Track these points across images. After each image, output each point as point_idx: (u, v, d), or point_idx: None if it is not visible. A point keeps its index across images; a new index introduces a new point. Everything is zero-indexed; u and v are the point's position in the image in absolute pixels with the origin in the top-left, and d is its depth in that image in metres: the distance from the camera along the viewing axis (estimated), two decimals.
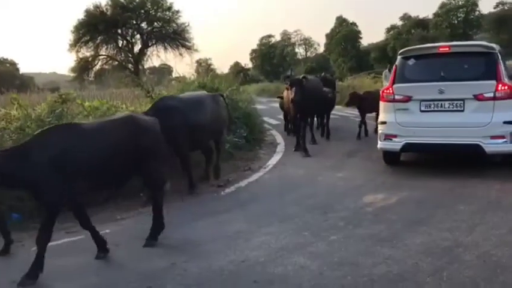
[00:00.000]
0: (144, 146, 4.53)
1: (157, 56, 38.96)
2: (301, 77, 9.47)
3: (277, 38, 67.28)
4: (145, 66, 39.50)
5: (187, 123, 6.56)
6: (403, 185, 6.53)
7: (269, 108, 18.30)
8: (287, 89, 9.41)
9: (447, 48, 7.29)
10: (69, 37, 36.75)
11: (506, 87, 6.63)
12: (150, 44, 38.69)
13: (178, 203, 6.40)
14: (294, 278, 3.81)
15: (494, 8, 47.72)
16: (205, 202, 6.46)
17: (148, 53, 39.06)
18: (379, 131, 7.46)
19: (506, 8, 45.60)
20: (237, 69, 60.47)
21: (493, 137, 6.56)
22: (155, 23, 38.60)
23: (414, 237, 4.52)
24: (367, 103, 10.82)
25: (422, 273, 3.73)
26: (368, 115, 11.13)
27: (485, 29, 47.01)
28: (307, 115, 9.89)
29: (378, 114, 11.09)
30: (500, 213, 5.06)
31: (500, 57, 7.02)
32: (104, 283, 4.03)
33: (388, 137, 7.25)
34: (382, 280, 3.65)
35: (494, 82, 6.65)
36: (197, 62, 56.05)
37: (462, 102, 6.73)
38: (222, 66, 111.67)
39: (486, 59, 6.95)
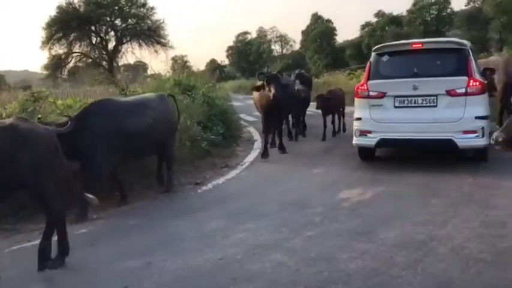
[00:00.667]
0: (21, 160, 3.92)
1: (132, 53, 38.44)
2: (275, 72, 9.01)
3: (253, 35, 67.27)
4: (120, 64, 38.92)
5: (121, 130, 5.88)
6: (378, 180, 6.61)
7: (246, 105, 18.29)
8: (257, 88, 8.78)
9: (420, 45, 7.41)
10: (42, 34, 35.99)
11: (477, 83, 6.78)
12: (124, 41, 38.13)
13: (155, 202, 6.35)
14: (271, 274, 3.83)
15: (466, 5, 48.66)
16: (182, 200, 6.44)
17: (122, 50, 38.49)
18: (354, 127, 7.53)
19: (476, 5, 46.51)
20: (213, 66, 60.28)
21: (465, 132, 6.69)
22: (130, 20, 38.05)
23: (389, 231, 4.58)
24: (331, 103, 10.44)
25: (397, 266, 3.78)
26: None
27: (457, 26, 47.85)
28: (286, 112, 9.52)
29: (340, 115, 11.19)
30: (473, 207, 5.18)
31: (471, 54, 7.17)
32: (80, 283, 3.98)
33: (363, 133, 7.33)
34: (358, 274, 3.69)
35: (466, 78, 6.78)
36: (173, 59, 55.59)
37: (435, 98, 6.85)
38: (198, 63, 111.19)
39: (458, 55, 7.09)
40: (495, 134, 3.36)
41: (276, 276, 3.78)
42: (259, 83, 9.05)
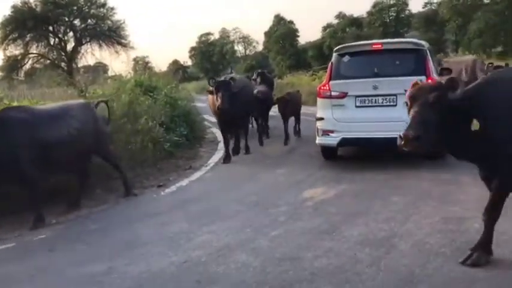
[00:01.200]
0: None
1: (92, 54, 37.61)
2: (228, 78, 8.51)
3: (216, 35, 67.06)
4: (80, 65, 38.01)
5: (36, 141, 5.43)
6: (341, 178, 6.69)
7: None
8: (211, 92, 8.31)
9: (380, 46, 7.55)
10: None
11: None
12: (84, 42, 37.25)
13: (116, 206, 6.22)
14: (236, 276, 3.80)
15: (423, 7, 50.04)
16: (145, 203, 6.33)
17: (82, 51, 37.60)
18: (317, 127, 7.60)
19: (433, 7, 47.92)
20: (176, 66, 59.74)
21: None
22: (89, 20, 37.21)
23: (352, 228, 4.63)
24: (289, 105, 10.24)
25: (361, 263, 3.83)
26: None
27: (415, 27, 49.14)
28: (239, 118, 8.74)
29: (296, 118, 10.99)
30: (432, 203, 5.30)
31: (429, 54, 7.35)
32: None
33: (325, 133, 7.40)
34: (323, 273, 3.71)
35: (423, 78, 6.94)
36: (134, 59, 54.76)
37: (395, 97, 6.98)
38: (161, 64, 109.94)
39: (416, 55, 7.25)
40: (403, 132, 3.39)
41: (241, 277, 3.75)
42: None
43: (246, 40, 67.58)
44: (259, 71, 12.71)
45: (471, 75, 8.94)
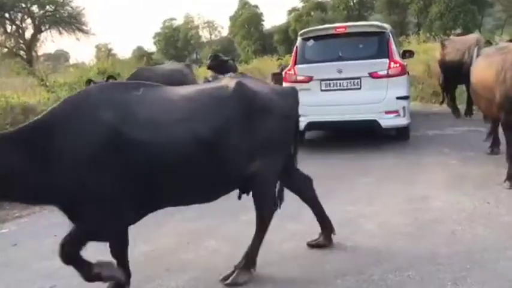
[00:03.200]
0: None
1: (52, 42, 36.55)
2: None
3: (181, 21, 66.10)
4: (40, 53, 36.91)
5: None
6: (308, 162, 6.68)
7: None
8: None
9: (343, 29, 7.62)
10: None
11: (397, 65, 7.09)
12: (43, 29, 36.09)
13: None
14: (206, 262, 3.81)
15: None
16: None
17: (41, 38, 36.50)
18: None
19: None
20: (140, 53, 58.65)
21: (387, 112, 6.99)
22: (47, 7, 36.01)
23: None
24: None
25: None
26: None
27: (378, 10, 49.66)
28: None
29: None
30: (396, 183, 5.44)
31: (391, 37, 7.47)
32: (3, 285, 3.75)
33: None
34: (291, 255, 3.77)
35: (386, 60, 7.06)
36: (96, 47, 53.54)
37: (359, 80, 7.08)
38: (124, 51, 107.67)
39: (379, 38, 7.36)
40: None
41: (211, 264, 3.77)
42: None
43: (210, 25, 66.98)
44: (212, 55, 11.12)
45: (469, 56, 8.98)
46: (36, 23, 35.78)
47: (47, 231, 4.62)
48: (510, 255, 3.47)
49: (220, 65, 10.08)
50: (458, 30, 35.55)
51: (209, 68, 10.38)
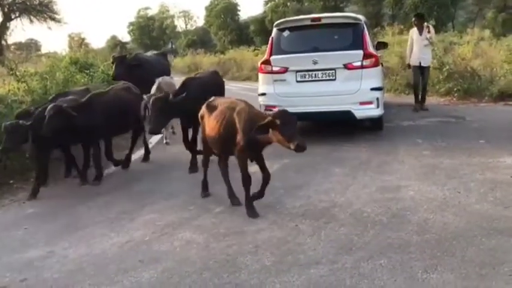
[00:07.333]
0: None
1: (22, 30, 35.59)
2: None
3: (155, 10, 65.18)
4: (10, 42, 35.90)
5: None
6: (283, 153, 6.72)
7: None
8: None
9: (319, 20, 7.61)
10: None
11: (372, 56, 7.14)
12: (13, 17, 35.10)
13: (55, 188, 6.01)
14: (180, 253, 3.80)
15: None
16: (84, 185, 6.14)
17: (11, 27, 35.50)
18: (260, 103, 7.61)
19: None
20: (114, 42, 57.67)
21: (362, 103, 7.04)
22: None
23: (295, 201, 4.75)
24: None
25: (303, 234, 3.93)
26: None
27: (354, 2, 49.86)
28: None
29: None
30: (370, 173, 5.51)
31: (366, 28, 7.51)
32: None
33: (268, 108, 7.41)
34: (266, 245, 3.79)
35: (361, 52, 7.10)
36: (69, 36, 52.42)
37: (334, 71, 7.10)
38: (98, 41, 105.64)
39: (353, 29, 7.38)
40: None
41: (185, 254, 3.76)
42: None
43: (186, 15, 66.29)
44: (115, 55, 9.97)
45: None
46: (6, 10, 34.75)
47: (17, 222, 4.54)
48: (478, 242, 3.56)
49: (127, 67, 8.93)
50: (432, 23, 36.07)
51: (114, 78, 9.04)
